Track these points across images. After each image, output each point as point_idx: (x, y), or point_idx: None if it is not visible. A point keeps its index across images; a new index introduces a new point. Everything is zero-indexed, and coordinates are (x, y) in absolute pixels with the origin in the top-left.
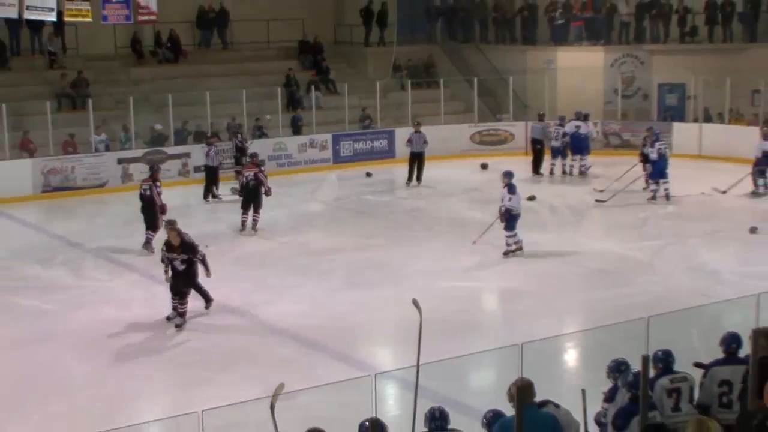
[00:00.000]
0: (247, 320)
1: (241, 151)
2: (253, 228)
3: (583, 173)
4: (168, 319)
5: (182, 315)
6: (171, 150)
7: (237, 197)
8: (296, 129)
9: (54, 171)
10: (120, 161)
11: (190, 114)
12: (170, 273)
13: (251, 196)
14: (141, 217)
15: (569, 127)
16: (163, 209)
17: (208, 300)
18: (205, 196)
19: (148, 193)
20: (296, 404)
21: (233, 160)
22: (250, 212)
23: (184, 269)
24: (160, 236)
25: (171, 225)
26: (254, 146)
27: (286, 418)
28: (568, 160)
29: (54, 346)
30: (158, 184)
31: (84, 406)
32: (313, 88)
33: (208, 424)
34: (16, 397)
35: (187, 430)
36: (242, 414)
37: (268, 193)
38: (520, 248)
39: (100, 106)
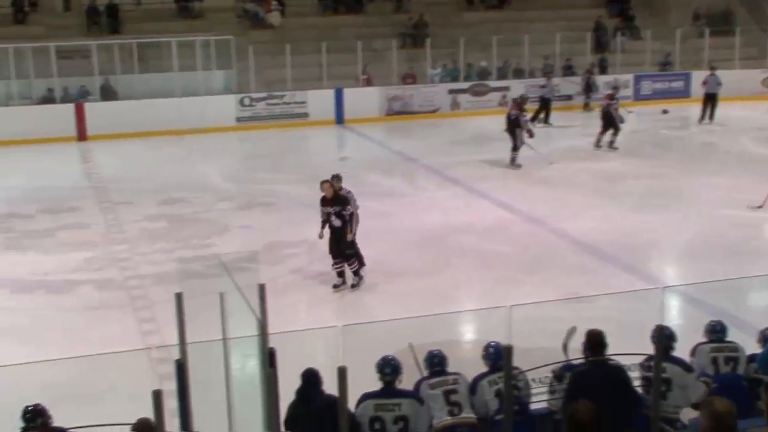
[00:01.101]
0: (550, 231)
1: (588, 87)
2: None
3: None
4: (335, 287)
5: (355, 273)
6: (493, 84)
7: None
8: (602, 69)
9: (396, 98)
10: (450, 92)
11: (511, 53)
12: (324, 230)
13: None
14: (463, 140)
15: None
16: (530, 133)
17: (360, 264)
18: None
19: (513, 118)
20: (594, 306)
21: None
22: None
23: (340, 225)
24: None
25: (331, 179)
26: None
27: (586, 317)
28: None
29: (392, 240)
30: (524, 113)
31: (421, 289)
32: (618, 33)
33: (515, 318)
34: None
35: (496, 321)
36: (542, 311)
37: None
38: None
39: (436, 45)
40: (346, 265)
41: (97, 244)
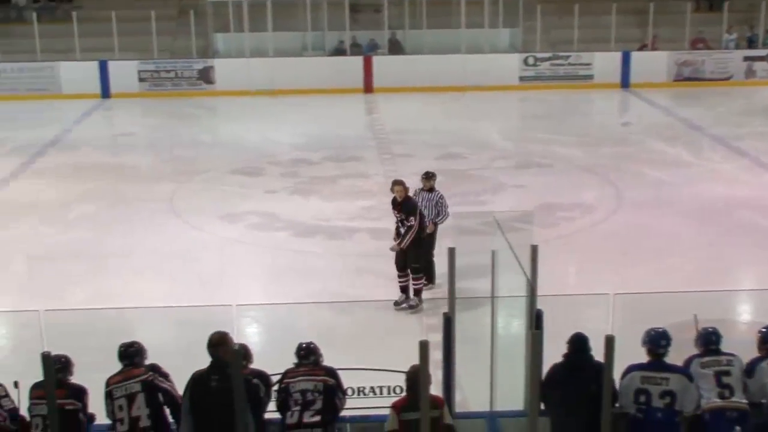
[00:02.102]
0: None
1: None
2: None
3: None
4: (396, 304)
5: (416, 293)
6: None
7: None
8: None
9: (686, 63)
10: (746, 59)
11: None
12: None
13: None
14: (756, 110)
15: None
16: None
17: (429, 281)
18: None
19: None
20: None
21: None
22: None
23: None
24: None
25: (397, 181)
26: None
27: None
28: None
29: (670, 211)
30: None
31: (696, 264)
32: None
33: None
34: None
35: None
36: None
37: None
38: None
39: (733, 9)
40: (411, 281)
41: (376, 194)
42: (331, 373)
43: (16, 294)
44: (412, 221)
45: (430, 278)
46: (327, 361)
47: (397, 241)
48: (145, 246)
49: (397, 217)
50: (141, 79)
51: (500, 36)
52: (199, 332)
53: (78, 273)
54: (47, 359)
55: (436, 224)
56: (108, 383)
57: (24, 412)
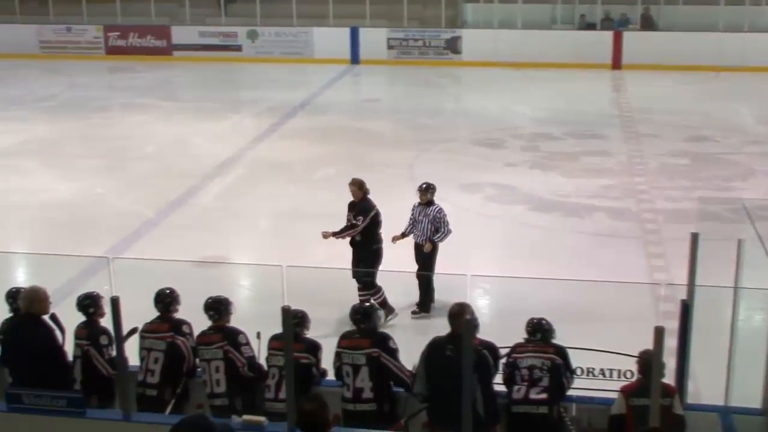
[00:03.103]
0: None
1: None
2: None
3: None
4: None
5: (381, 305)
6: None
7: None
8: None
9: None
10: None
11: None
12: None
13: None
14: None
15: None
16: None
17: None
18: None
19: None
20: None
21: None
22: None
23: (361, 240)
24: None
25: (354, 180)
26: None
27: None
28: None
29: None
30: None
31: None
32: None
33: None
34: None
35: None
36: None
37: None
38: None
39: None
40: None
41: (617, 172)
42: (561, 351)
43: (262, 248)
44: (360, 221)
45: (426, 306)
46: (557, 339)
47: (332, 231)
48: (382, 211)
49: (348, 218)
50: (390, 47)
51: (763, 13)
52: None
53: (318, 232)
54: (287, 313)
55: (434, 243)
56: (339, 343)
57: (262, 361)
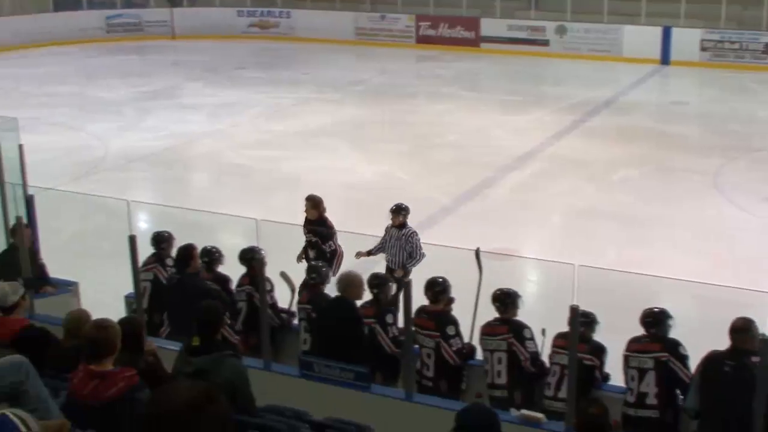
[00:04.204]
0: None
1: None
2: None
3: None
4: None
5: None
6: None
7: None
8: None
9: None
10: None
11: None
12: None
13: None
14: None
15: None
16: None
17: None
18: None
19: None
20: None
21: None
22: None
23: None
24: None
25: (309, 197)
26: None
27: None
28: None
29: None
30: None
31: None
32: None
33: None
34: None
35: None
36: None
37: None
38: None
39: None
40: None
41: None
42: None
43: (552, 245)
44: (333, 246)
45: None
46: None
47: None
48: (682, 217)
49: (306, 237)
50: (703, 49)
51: None
52: (723, 312)
53: (613, 234)
54: (574, 312)
55: (406, 269)
56: (627, 347)
57: (545, 357)
